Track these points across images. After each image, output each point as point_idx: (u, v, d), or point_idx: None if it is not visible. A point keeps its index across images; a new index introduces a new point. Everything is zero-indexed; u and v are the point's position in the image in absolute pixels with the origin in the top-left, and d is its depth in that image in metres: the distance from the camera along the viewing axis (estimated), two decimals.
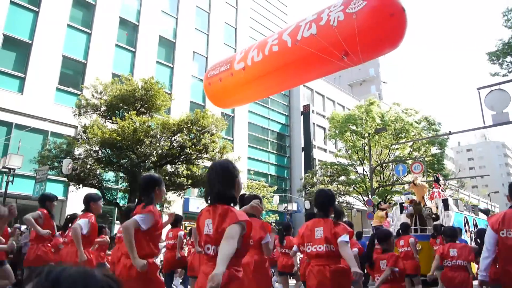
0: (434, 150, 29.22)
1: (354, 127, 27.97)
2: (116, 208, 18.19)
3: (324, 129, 37.05)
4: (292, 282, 8.15)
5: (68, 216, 6.98)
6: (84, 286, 0.79)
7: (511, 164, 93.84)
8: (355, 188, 28.07)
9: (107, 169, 16.23)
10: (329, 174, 29.07)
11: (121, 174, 17.59)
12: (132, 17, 25.77)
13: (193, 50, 29.35)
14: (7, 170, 14.87)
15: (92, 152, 15.46)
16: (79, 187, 15.79)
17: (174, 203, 18.75)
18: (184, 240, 7.77)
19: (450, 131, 17.47)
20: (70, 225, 6.61)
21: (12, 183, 14.94)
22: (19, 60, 20.10)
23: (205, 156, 16.81)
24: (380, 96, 53.54)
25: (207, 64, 29.51)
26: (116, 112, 16.48)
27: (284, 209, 28.42)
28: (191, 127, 16.17)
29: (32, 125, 18.94)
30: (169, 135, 16.23)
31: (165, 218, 5.40)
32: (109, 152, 15.58)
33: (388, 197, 27.71)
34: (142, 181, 3.51)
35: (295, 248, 5.43)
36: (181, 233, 7.11)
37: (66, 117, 19.20)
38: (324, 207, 3.64)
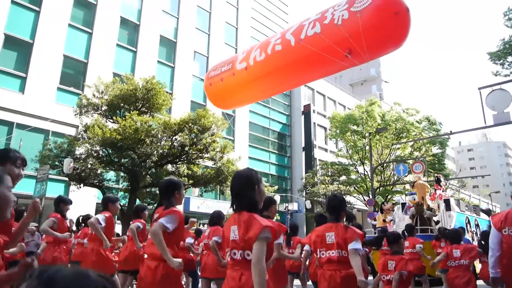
0: (435, 150, 29.20)
1: (354, 127, 27.97)
2: None
3: (325, 128, 37.04)
4: (297, 282, 8.11)
5: (81, 217, 7.03)
6: (79, 286, 0.78)
7: None
8: (356, 188, 28.07)
9: (108, 168, 16.24)
10: (329, 174, 29.07)
11: (122, 174, 17.61)
12: (133, 16, 25.79)
13: (194, 49, 29.36)
14: None
15: (93, 151, 15.47)
16: (80, 187, 15.81)
17: None
18: (191, 241, 7.67)
19: (451, 131, 17.48)
20: (82, 225, 6.66)
21: None
22: (20, 60, 20.13)
23: (206, 156, 16.82)
24: (381, 96, 53.51)
25: (208, 63, 29.53)
26: (117, 111, 16.50)
27: (285, 208, 28.43)
28: (192, 126, 16.17)
29: (33, 125, 18.96)
30: (170, 135, 16.23)
31: None
32: (110, 151, 15.59)
33: (389, 197, 27.71)
34: (163, 185, 3.65)
35: (307, 247, 5.45)
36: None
37: (67, 117, 19.22)
38: (336, 211, 3.74)
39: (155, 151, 15.49)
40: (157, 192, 17.68)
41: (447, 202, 12.34)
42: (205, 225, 24.19)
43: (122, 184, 18.89)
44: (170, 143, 16.21)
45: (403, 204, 13.02)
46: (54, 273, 0.79)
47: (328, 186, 27.90)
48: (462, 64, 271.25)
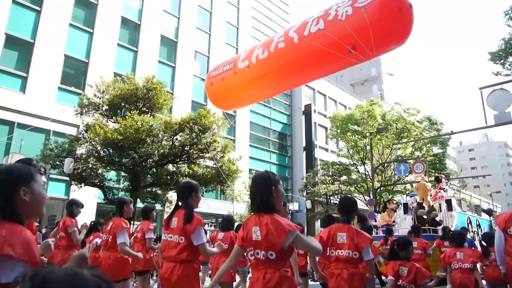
0: (436, 149, 29.16)
1: (355, 127, 27.94)
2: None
3: (326, 128, 37.02)
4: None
5: (92, 223, 7.04)
6: (72, 285, 0.78)
7: None
8: (357, 187, 28.05)
9: (108, 168, 16.26)
10: (330, 173, 29.05)
11: (122, 173, 17.63)
12: (134, 16, 25.80)
13: (195, 49, 29.37)
14: None
15: (93, 151, 15.49)
16: (81, 186, 15.83)
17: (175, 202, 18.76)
18: None
19: (452, 131, 17.44)
20: (93, 231, 6.65)
21: None
22: (21, 60, 20.15)
23: (207, 155, 16.82)
24: (382, 96, 53.46)
25: (208, 63, 29.53)
26: (118, 111, 16.51)
27: None
28: (192, 126, 16.18)
29: (34, 124, 18.97)
30: (171, 135, 16.24)
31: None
32: (111, 151, 15.60)
33: (390, 196, 27.69)
34: (181, 187, 3.73)
35: None
36: None
37: (68, 116, 19.24)
38: (347, 212, 3.86)
39: (156, 151, 15.50)
40: (158, 191, 17.71)
41: (448, 202, 12.35)
42: (207, 225, 24.22)
43: (123, 184, 18.91)
44: (171, 143, 16.22)
45: (405, 205, 13.04)
46: (47, 274, 0.79)
47: (329, 186, 27.88)
48: (463, 64, 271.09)
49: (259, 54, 7.67)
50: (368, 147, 26.58)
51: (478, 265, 5.68)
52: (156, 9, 27.03)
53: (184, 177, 16.53)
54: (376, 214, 16.52)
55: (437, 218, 11.81)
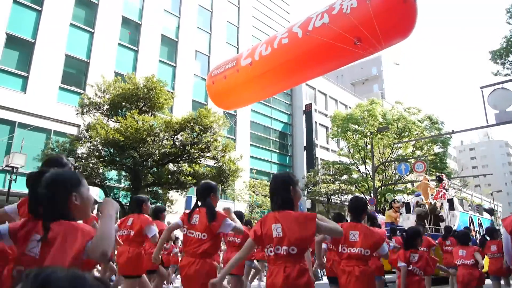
0: (437, 149, 29.14)
1: (356, 126, 27.92)
2: (119, 207, 18.27)
3: (327, 128, 37.01)
4: None
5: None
6: (73, 287, 0.78)
7: None
8: (358, 187, 28.04)
9: (109, 167, 16.27)
10: (331, 173, 29.06)
11: (123, 173, 17.64)
12: (134, 16, 25.80)
13: (195, 49, 29.36)
14: (10, 168, 14.92)
15: (94, 151, 15.49)
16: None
17: (177, 202, 18.79)
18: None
19: (453, 130, 17.36)
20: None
21: (15, 182, 14.99)
22: (22, 59, 20.16)
23: (208, 155, 16.83)
24: (383, 95, 53.42)
25: (209, 63, 29.53)
26: (119, 110, 16.51)
27: None
28: (193, 126, 16.18)
29: (35, 124, 18.99)
30: (172, 134, 16.25)
31: (170, 217, 5.54)
32: (112, 151, 15.62)
33: (392, 196, 27.66)
34: (200, 187, 3.94)
35: (324, 246, 5.82)
36: None
37: (68, 116, 19.25)
38: (358, 212, 4.00)
39: (157, 150, 15.50)
40: (159, 191, 17.72)
41: (450, 201, 12.36)
42: None
43: (124, 184, 18.93)
44: (172, 142, 16.23)
45: (407, 204, 13.08)
46: (49, 275, 0.80)
47: (330, 186, 27.89)
48: (464, 63, 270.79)
49: (262, 51, 7.61)
50: (368, 147, 26.56)
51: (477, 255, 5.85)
52: (157, 9, 27.03)
53: (185, 177, 16.54)
54: (377, 214, 16.52)
55: (439, 214, 11.82)
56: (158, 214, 6.39)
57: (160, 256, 7.20)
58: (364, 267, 3.74)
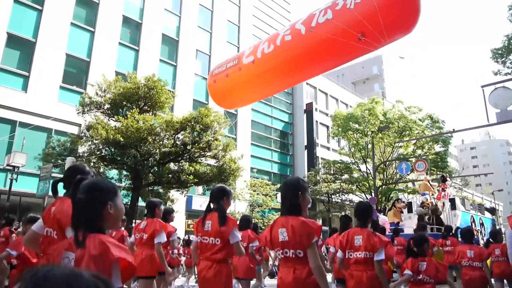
0: (438, 148, 29.09)
1: (356, 126, 27.89)
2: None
3: (327, 127, 36.99)
4: None
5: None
6: (69, 286, 0.78)
7: None
8: (358, 186, 28.04)
9: (110, 167, 16.28)
10: (332, 172, 29.06)
11: (124, 172, 17.67)
12: (135, 15, 25.80)
13: (196, 48, 29.36)
14: (12, 167, 14.95)
15: (95, 150, 15.50)
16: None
17: (177, 201, 18.80)
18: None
19: (454, 129, 17.36)
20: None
21: (16, 181, 15.02)
22: (23, 59, 20.18)
23: (208, 154, 16.83)
24: (384, 94, 53.36)
25: (210, 62, 29.53)
26: (120, 110, 16.52)
27: None
28: (194, 125, 16.18)
29: (36, 123, 19.01)
30: (173, 133, 16.25)
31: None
32: (113, 150, 15.63)
33: (391, 195, 27.64)
34: (215, 191, 4.07)
35: (332, 249, 6.01)
36: None
37: (69, 115, 19.27)
38: (363, 217, 4.07)
39: (158, 150, 15.51)
40: (160, 190, 17.74)
41: (452, 201, 12.37)
42: None
43: (124, 183, 18.95)
44: (173, 142, 16.23)
45: (410, 204, 13.09)
46: (46, 273, 0.80)
47: (331, 185, 27.89)
48: (465, 62, 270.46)
49: (264, 48, 7.55)
50: (369, 146, 26.54)
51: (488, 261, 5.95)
52: (157, 8, 27.03)
53: (186, 176, 16.55)
54: (379, 215, 16.51)
55: (441, 216, 11.83)
56: (166, 216, 6.40)
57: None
58: (372, 272, 3.79)
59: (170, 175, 16.64)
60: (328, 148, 37.59)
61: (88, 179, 2.07)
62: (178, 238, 12.29)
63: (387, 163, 27.39)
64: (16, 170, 14.88)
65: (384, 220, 13.99)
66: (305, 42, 6.95)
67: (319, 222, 32.28)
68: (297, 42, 7.05)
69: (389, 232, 10.71)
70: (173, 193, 18.84)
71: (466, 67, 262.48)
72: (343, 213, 29.38)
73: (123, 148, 14.99)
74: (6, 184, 16.44)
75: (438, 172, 25.41)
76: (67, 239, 1.90)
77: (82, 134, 16.53)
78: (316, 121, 36.84)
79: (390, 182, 27.32)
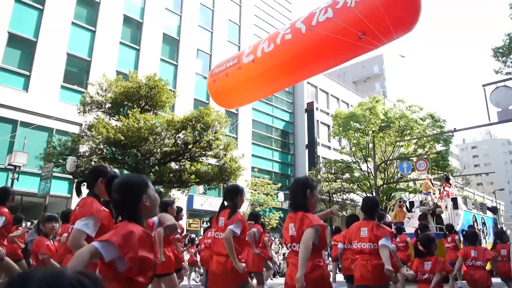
0: (439, 147, 29.04)
1: (357, 125, 27.87)
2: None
3: (328, 126, 36.97)
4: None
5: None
6: (50, 284, 0.78)
7: None
8: (359, 185, 28.01)
9: (111, 166, 16.26)
10: (333, 171, 29.02)
11: (125, 171, 17.67)
12: (136, 14, 25.81)
13: (197, 47, 29.36)
14: (13, 167, 14.98)
15: (96, 149, 15.52)
16: (84, 184, 15.82)
17: (179, 200, 18.81)
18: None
19: (455, 128, 17.34)
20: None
21: (17, 180, 15.05)
22: (24, 58, 20.19)
23: (209, 153, 16.83)
24: (385, 93, 53.29)
25: (211, 61, 29.53)
26: (121, 109, 16.53)
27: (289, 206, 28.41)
28: (195, 124, 16.19)
29: (37, 123, 19.04)
30: (173, 133, 16.26)
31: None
32: (114, 149, 15.64)
33: (393, 194, 27.62)
34: (229, 189, 4.32)
35: (340, 245, 6.20)
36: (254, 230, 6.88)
37: (70, 115, 19.29)
38: (369, 211, 4.27)
39: (159, 149, 15.51)
40: (161, 190, 17.75)
41: (454, 200, 12.39)
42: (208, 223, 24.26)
43: None
44: (173, 141, 16.23)
45: (411, 203, 13.11)
46: (28, 274, 0.80)
47: (332, 184, 27.86)
48: (466, 61, 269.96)
49: (264, 47, 7.54)
50: (370, 145, 26.52)
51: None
52: (158, 7, 27.03)
53: (187, 175, 16.56)
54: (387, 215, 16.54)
55: (443, 216, 11.84)
56: (166, 209, 6.45)
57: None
58: (377, 262, 3.94)
59: (171, 175, 16.65)
60: (329, 147, 37.58)
61: (118, 177, 2.20)
62: (192, 238, 12.31)
63: (388, 162, 27.36)
64: (17, 169, 14.91)
65: (388, 219, 14.00)
66: (305, 41, 6.94)
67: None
68: (298, 41, 7.03)
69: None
70: (174, 193, 18.85)
71: (467, 66, 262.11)
72: (344, 213, 29.40)
73: (124, 148, 15.01)
74: (8, 183, 16.46)
75: (439, 172, 25.38)
76: None
77: (83, 134, 16.54)
78: (317, 120, 36.81)
79: (391, 181, 27.30)
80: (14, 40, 19.81)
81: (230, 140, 17.98)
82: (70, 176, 16.24)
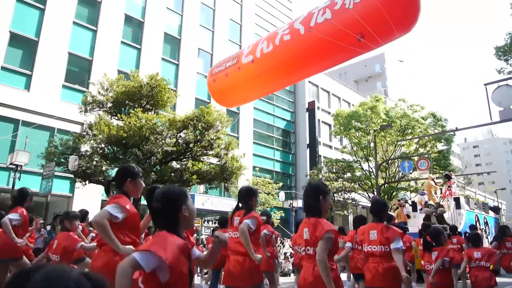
0: (441, 146, 28.98)
1: (359, 124, 27.84)
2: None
3: (330, 125, 36.93)
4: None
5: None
6: (55, 282, 0.78)
7: None
8: (361, 185, 27.97)
9: (113, 165, 16.30)
10: (334, 170, 28.99)
11: None
12: (137, 14, 25.82)
13: (198, 46, 29.37)
14: (14, 166, 15.00)
15: (98, 148, 15.53)
16: (85, 184, 15.88)
17: None
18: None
19: (456, 127, 17.29)
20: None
21: (19, 180, 15.07)
22: (26, 58, 20.23)
23: (210, 152, 16.83)
24: (386, 92, 53.25)
25: (212, 60, 29.53)
26: (122, 108, 16.54)
27: (290, 205, 28.46)
28: (196, 123, 16.19)
29: (39, 122, 19.07)
30: (175, 132, 16.26)
31: None
32: (115, 148, 15.65)
33: (394, 194, 27.58)
34: (243, 191, 4.39)
35: (348, 244, 6.31)
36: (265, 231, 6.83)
37: (72, 114, 19.31)
38: (378, 213, 4.31)
39: (160, 148, 15.51)
40: None
41: (457, 200, 12.38)
42: (209, 222, 24.27)
43: None
44: (175, 140, 16.23)
45: (413, 203, 13.11)
46: (31, 271, 0.80)
47: (333, 183, 27.83)
48: (468, 60, 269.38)
49: (263, 48, 7.55)
50: (372, 144, 26.49)
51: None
52: (160, 7, 27.04)
53: (189, 175, 16.56)
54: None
55: (445, 215, 11.84)
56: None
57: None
58: (388, 264, 3.97)
59: (172, 174, 16.65)
60: (330, 147, 37.56)
61: (160, 187, 2.31)
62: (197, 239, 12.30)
63: (390, 161, 27.33)
64: (19, 168, 14.93)
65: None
66: (304, 43, 6.96)
67: None
68: (296, 42, 7.05)
69: None
70: None
71: (469, 65, 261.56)
72: (345, 212, 29.34)
73: (126, 147, 15.02)
74: (9, 182, 16.50)
75: (440, 171, 25.33)
76: None
77: (85, 133, 16.55)
78: (318, 120, 36.80)
79: (393, 180, 27.27)
80: (15, 40, 19.84)
81: (231, 139, 17.96)
82: (72, 175, 16.26)
